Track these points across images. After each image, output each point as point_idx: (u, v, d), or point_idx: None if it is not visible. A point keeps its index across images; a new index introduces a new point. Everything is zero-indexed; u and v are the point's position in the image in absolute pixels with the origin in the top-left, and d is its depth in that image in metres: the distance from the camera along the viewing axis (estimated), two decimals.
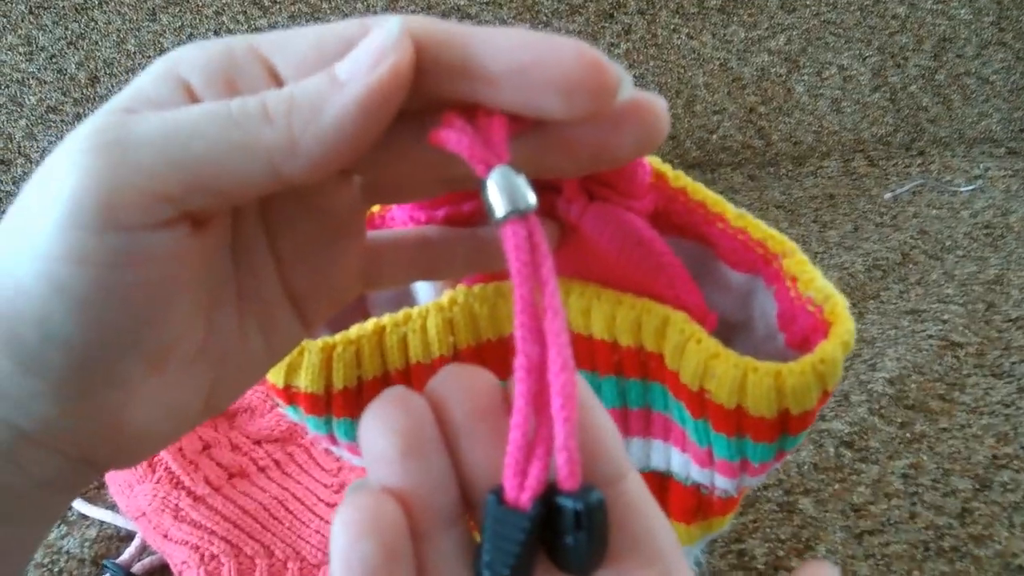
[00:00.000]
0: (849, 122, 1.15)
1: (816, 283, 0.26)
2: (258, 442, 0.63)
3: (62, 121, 0.97)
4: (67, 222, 0.17)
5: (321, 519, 0.57)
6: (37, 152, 0.97)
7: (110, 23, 0.98)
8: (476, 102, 0.18)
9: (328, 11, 1.01)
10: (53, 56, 0.97)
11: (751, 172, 1.11)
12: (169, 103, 0.19)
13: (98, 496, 0.60)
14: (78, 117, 0.97)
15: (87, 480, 0.21)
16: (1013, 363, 0.72)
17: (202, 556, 0.54)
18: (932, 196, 1.03)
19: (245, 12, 1.00)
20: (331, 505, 0.58)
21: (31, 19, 0.96)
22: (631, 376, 0.29)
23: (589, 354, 0.29)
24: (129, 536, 0.58)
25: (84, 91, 0.98)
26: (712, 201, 0.28)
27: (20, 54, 0.97)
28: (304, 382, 0.30)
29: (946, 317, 0.78)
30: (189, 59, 0.19)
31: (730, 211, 0.28)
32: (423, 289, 0.34)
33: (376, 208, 0.31)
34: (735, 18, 1.12)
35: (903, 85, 1.15)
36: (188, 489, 0.58)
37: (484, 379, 0.18)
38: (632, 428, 0.30)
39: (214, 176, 0.18)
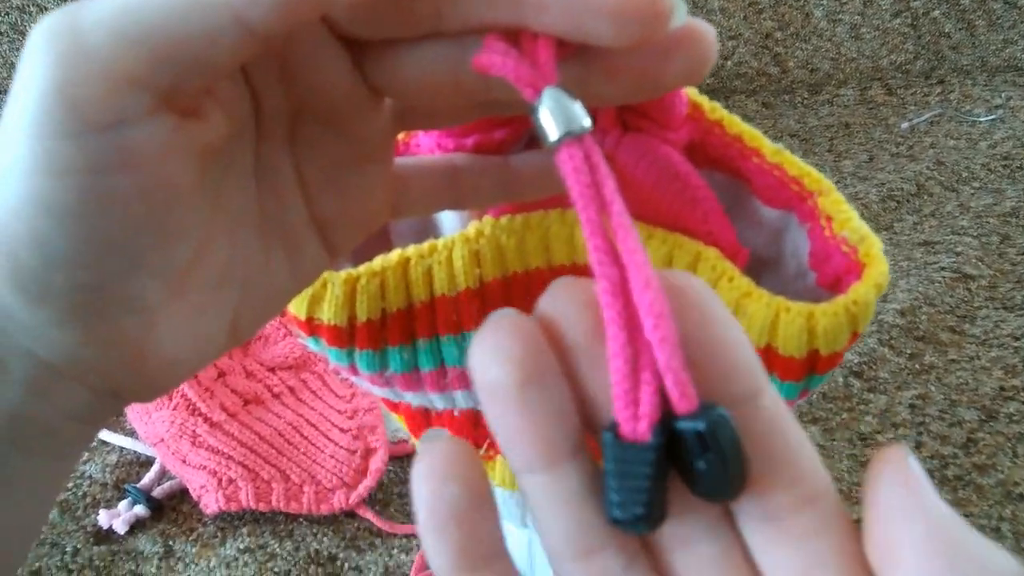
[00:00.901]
0: (868, 49, 1.12)
1: (852, 223, 0.25)
2: (272, 369, 0.64)
3: None
4: (39, 132, 0.17)
5: (335, 444, 0.58)
6: None
7: None
8: (521, 26, 0.17)
9: None
10: None
11: (766, 100, 1.09)
12: None
13: (117, 423, 0.61)
14: None
15: (113, 412, 0.21)
16: None
17: (220, 480, 0.55)
18: (950, 126, 1.01)
19: None
20: (344, 431, 0.59)
21: None
22: None
23: None
24: (149, 462, 0.59)
25: None
26: (749, 135, 0.27)
27: None
28: (327, 314, 0.30)
29: (959, 249, 0.78)
30: None
31: (767, 146, 0.27)
32: (448, 219, 0.33)
33: (401, 135, 0.31)
34: None
35: (925, 10, 1.11)
36: (205, 415, 0.59)
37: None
38: None
39: (177, 43, 0.17)
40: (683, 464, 0.16)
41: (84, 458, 0.59)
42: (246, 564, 0.51)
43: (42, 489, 0.21)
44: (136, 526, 0.54)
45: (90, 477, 0.58)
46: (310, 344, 0.32)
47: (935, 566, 0.14)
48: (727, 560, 0.16)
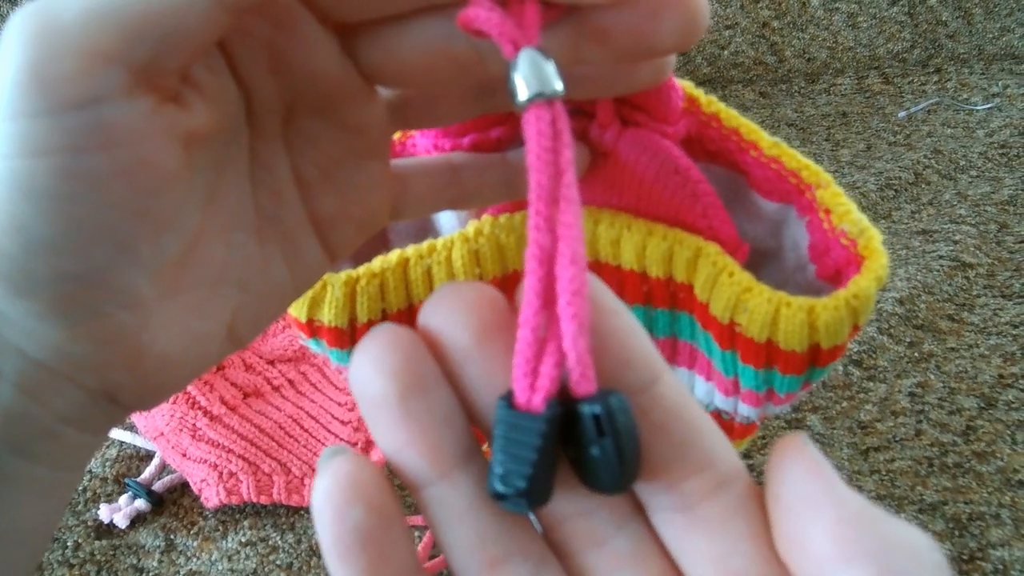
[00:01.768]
0: (865, 38, 1.11)
1: (851, 216, 0.25)
2: (271, 362, 0.64)
3: None
4: (12, 111, 0.16)
5: (336, 436, 0.58)
6: None
7: None
8: None
9: None
10: None
11: (763, 89, 1.09)
12: None
13: None
14: None
15: (113, 419, 0.20)
16: (1023, 284, 0.72)
17: (221, 474, 0.55)
18: (947, 115, 1.01)
19: None
20: (345, 423, 0.59)
21: None
22: (659, 306, 0.29)
23: (618, 284, 0.29)
24: (148, 456, 0.59)
25: None
26: (746, 129, 0.27)
27: None
28: (328, 316, 0.29)
29: (957, 238, 0.78)
30: None
31: (764, 139, 0.27)
32: (446, 219, 0.33)
33: (397, 135, 0.31)
34: None
35: None
36: (204, 409, 0.59)
37: (485, 293, 0.16)
38: None
39: (148, 16, 0.17)
40: (577, 451, 0.15)
41: None
42: (248, 557, 0.51)
43: (46, 499, 0.20)
44: (137, 520, 0.54)
45: (90, 471, 0.58)
46: (311, 345, 0.32)
47: (849, 551, 0.14)
48: (641, 555, 0.16)
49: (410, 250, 0.29)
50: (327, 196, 0.22)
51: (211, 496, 0.54)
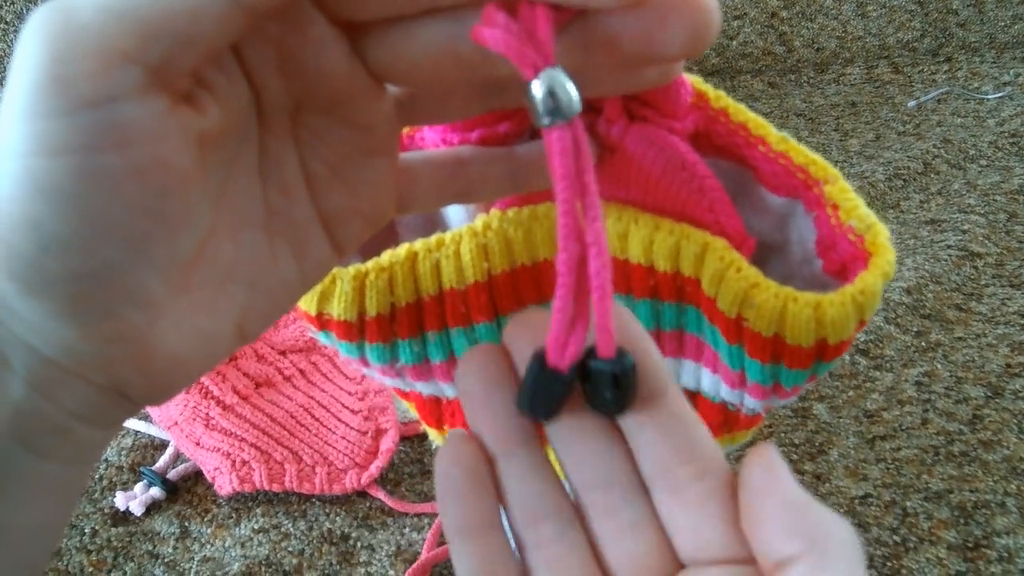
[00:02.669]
0: (874, 27, 1.11)
1: (858, 211, 0.26)
2: (283, 352, 0.65)
3: None
4: (31, 111, 0.16)
5: (347, 425, 0.59)
6: None
7: None
8: None
9: None
10: None
11: (771, 79, 1.08)
12: None
13: None
14: None
15: (125, 414, 0.21)
16: None
17: (234, 462, 0.56)
18: (957, 104, 1.01)
19: None
20: (355, 412, 0.60)
21: None
22: (666, 300, 0.29)
23: (625, 278, 0.29)
24: (163, 445, 0.60)
25: None
26: (754, 124, 0.27)
27: None
28: (337, 310, 0.30)
29: (966, 227, 0.78)
30: None
31: (772, 134, 0.27)
32: (454, 213, 0.33)
33: (406, 130, 0.31)
34: None
35: None
36: (217, 399, 0.59)
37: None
38: (665, 349, 0.31)
39: (165, 16, 0.17)
40: (591, 390, 0.21)
41: None
42: (260, 544, 0.52)
43: (58, 494, 0.21)
44: (152, 508, 0.55)
45: (106, 460, 0.59)
46: (321, 338, 0.32)
47: (789, 529, 0.19)
48: (641, 526, 0.21)
49: (418, 244, 0.30)
50: (335, 192, 0.23)
51: (224, 484, 0.55)
